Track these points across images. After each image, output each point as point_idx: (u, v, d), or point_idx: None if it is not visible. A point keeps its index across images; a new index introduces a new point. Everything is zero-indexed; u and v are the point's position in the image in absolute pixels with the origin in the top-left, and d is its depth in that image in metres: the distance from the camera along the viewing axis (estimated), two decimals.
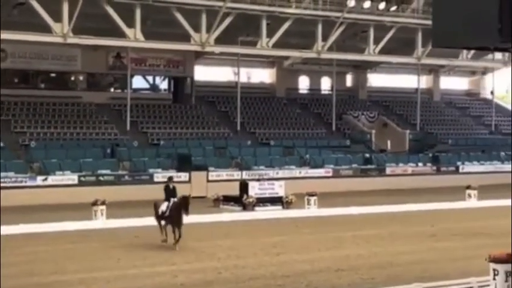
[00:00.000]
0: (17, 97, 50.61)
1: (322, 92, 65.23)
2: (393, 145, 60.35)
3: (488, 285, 17.37)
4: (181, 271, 22.06)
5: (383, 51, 55.09)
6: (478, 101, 72.23)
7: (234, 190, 40.34)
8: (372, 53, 54.57)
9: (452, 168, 58.21)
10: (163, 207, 26.24)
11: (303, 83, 65.10)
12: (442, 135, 64.64)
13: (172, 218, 25.76)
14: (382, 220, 34.78)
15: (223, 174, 48.92)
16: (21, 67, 51.48)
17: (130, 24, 45.98)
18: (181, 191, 27.62)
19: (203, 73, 59.50)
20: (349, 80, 66.77)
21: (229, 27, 48.69)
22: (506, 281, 17.03)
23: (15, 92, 50.50)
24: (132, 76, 54.78)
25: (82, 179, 45.19)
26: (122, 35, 46.28)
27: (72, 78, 55.84)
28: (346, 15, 51.60)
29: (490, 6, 8.88)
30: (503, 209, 37.25)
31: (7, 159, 44.49)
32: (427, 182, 54.04)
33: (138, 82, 57.87)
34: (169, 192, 26.65)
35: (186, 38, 48.47)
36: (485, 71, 71.11)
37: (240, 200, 39.38)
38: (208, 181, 46.52)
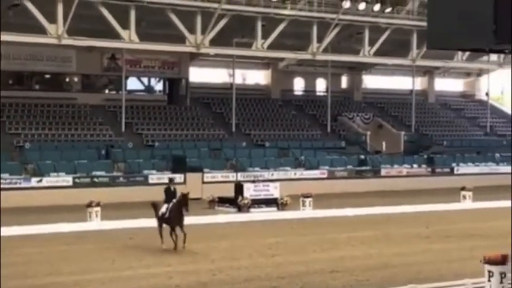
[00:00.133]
0: (12, 98, 50.48)
1: (317, 94, 65.23)
2: (388, 146, 60.37)
3: (483, 287, 17.39)
4: (176, 272, 22.05)
5: (378, 53, 55.12)
6: (473, 103, 72.30)
7: (229, 191, 40.34)
8: (367, 54, 54.59)
9: (447, 170, 58.24)
10: (163, 209, 26.17)
11: (298, 85, 65.09)
12: (437, 136, 64.68)
13: (173, 219, 25.70)
14: (377, 221, 34.79)
15: (218, 175, 48.88)
16: (15, 68, 51.37)
17: (125, 25, 45.94)
18: (177, 192, 27.54)
19: (198, 74, 59.44)
20: (344, 82, 66.79)
21: (224, 29, 48.68)
22: (501, 282, 17.05)
23: (10, 93, 50.35)
24: (127, 77, 54.69)
25: (77, 180, 45.10)
26: (116, 36, 46.23)
27: (67, 80, 55.74)
28: (341, 17, 51.61)
29: (485, 7, 8.88)
30: (498, 211, 37.34)
31: (1, 160, 44.34)
32: (422, 183, 54.09)
33: (133, 83, 57.78)
34: (170, 194, 26.59)
35: (181, 39, 48.45)
36: (480, 73, 71.17)
37: (235, 201, 39.38)
38: (203, 183, 46.53)
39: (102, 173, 46.45)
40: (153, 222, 28.47)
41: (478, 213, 38.11)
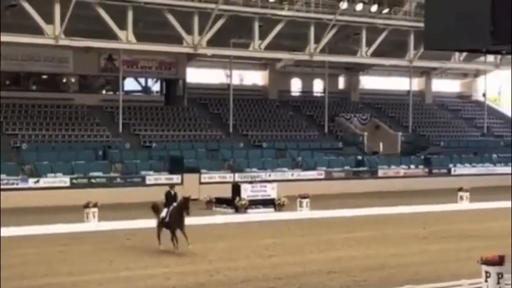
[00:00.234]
0: (9, 99, 50.43)
1: (315, 94, 65.25)
2: (385, 147, 60.40)
3: (480, 287, 17.41)
4: (174, 273, 22.05)
5: (375, 54, 55.13)
6: (470, 103, 72.35)
7: (226, 192, 40.35)
8: (364, 55, 54.60)
9: (444, 171, 58.28)
10: (163, 213, 26.11)
11: (296, 85, 65.12)
12: (434, 137, 64.72)
13: (173, 222, 25.62)
14: (375, 222, 34.82)
15: (216, 176, 48.88)
16: (12, 69, 51.30)
17: (122, 26, 45.91)
18: (178, 196, 27.44)
19: (195, 75, 59.43)
20: (341, 82, 66.82)
21: (221, 29, 48.67)
22: (498, 283, 17.07)
23: (7, 94, 50.30)
24: (124, 78, 54.67)
25: (74, 181, 45.08)
26: (113, 37, 46.20)
27: (64, 80, 55.71)
28: (339, 18, 51.62)
29: (482, 8, 8.89)
30: (495, 211, 37.41)
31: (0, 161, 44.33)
32: (419, 184, 54.14)
33: (130, 84, 57.75)
34: (171, 198, 26.54)
35: (178, 40, 48.43)
36: (477, 74, 71.20)
37: (232, 202, 39.39)
38: (200, 183, 46.57)
39: (100, 174, 46.43)
40: (150, 223, 28.50)
41: (475, 214, 38.13)
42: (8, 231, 29.96)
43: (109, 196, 40.75)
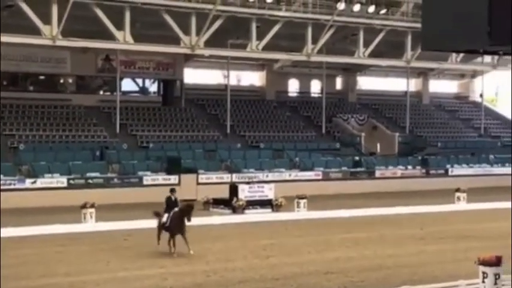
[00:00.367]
0: (6, 99, 50.36)
1: (312, 95, 65.26)
2: (383, 148, 60.43)
3: None
4: (171, 274, 22.04)
5: (372, 54, 55.12)
6: (467, 104, 72.42)
7: (223, 193, 40.33)
8: (361, 56, 54.60)
9: (442, 171, 58.30)
10: (164, 218, 26.03)
11: (293, 86, 65.13)
12: (432, 138, 64.75)
13: (173, 227, 25.54)
14: (372, 223, 34.83)
15: (213, 177, 48.86)
16: (10, 69, 51.24)
17: (120, 26, 45.87)
18: (179, 202, 27.38)
19: (193, 76, 59.43)
20: (338, 83, 66.83)
21: (219, 30, 48.64)
22: (495, 283, 17.08)
23: (4, 94, 50.20)
24: (121, 79, 54.65)
25: (71, 181, 45.04)
26: (111, 37, 46.16)
27: (61, 81, 55.69)
28: (336, 18, 51.61)
29: (479, 9, 8.90)
30: (492, 212, 37.46)
31: None
32: (417, 184, 54.15)
33: (127, 85, 57.76)
34: (171, 203, 26.46)
35: (175, 40, 48.39)
36: (474, 74, 71.28)
37: (229, 203, 39.38)
38: (198, 184, 46.55)
39: (97, 174, 46.39)
40: (147, 224, 28.50)
41: (473, 215, 38.15)
42: (5, 231, 29.92)
43: (106, 196, 40.72)
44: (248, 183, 42.24)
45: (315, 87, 65.11)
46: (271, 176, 49.68)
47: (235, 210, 38.85)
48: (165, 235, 25.88)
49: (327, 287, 20.55)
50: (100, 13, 44.94)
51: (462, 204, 42.67)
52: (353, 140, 60.76)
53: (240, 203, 38.92)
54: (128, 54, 52.92)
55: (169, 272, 22.40)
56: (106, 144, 50.61)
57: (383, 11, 54.06)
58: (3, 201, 38.97)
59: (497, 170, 59.19)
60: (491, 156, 61.83)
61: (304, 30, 51.77)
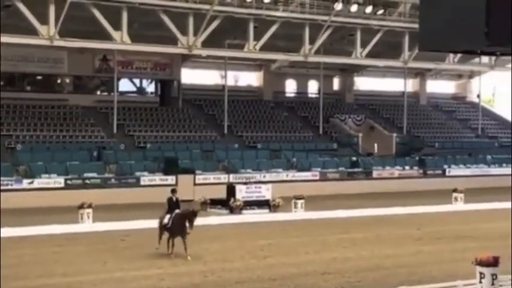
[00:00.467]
0: (3, 100, 50.31)
1: (309, 95, 65.28)
2: (380, 148, 60.46)
3: None
4: (168, 274, 22.03)
5: (370, 55, 55.15)
6: (464, 105, 72.47)
7: (221, 193, 40.32)
8: (359, 56, 54.63)
9: (439, 172, 58.33)
10: (165, 219, 25.98)
11: (290, 86, 65.14)
12: (429, 138, 64.80)
13: (174, 229, 25.49)
14: (369, 223, 34.83)
15: (211, 177, 48.86)
16: (7, 69, 51.23)
17: (117, 27, 45.84)
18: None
19: (190, 76, 59.43)
20: (336, 84, 66.87)
21: (216, 30, 48.63)
22: (493, 284, 17.09)
23: (1, 94, 50.20)
24: (118, 79, 54.63)
25: (68, 182, 45.01)
26: (108, 37, 46.14)
27: (59, 81, 55.67)
28: (333, 19, 51.63)
29: (477, 9, 8.90)
30: (490, 213, 37.50)
31: None
32: (414, 185, 54.17)
33: (124, 85, 57.74)
34: (173, 204, 26.41)
35: (173, 40, 48.39)
36: (471, 75, 71.35)
37: (227, 203, 39.36)
38: (195, 184, 46.54)
39: (94, 175, 46.37)
40: (144, 224, 28.49)
41: (470, 215, 38.18)
42: (2, 232, 29.88)
43: (103, 197, 40.70)
44: (245, 183, 42.27)
45: (312, 87, 65.12)
46: (268, 177, 49.67)
47: (232, 210, 38.84)
48: (165, 235, 25.85)
49: (324, 287, 20.55)
50: (97, 13, 44.91)
51: (459, 205, 42.69)
52: (350, 141, 60.79)
53: (238, 203, 38.90)
54: (125, 55, 52.91)
55: (167, 272, 22.39)
56: (103, 145, 50.59)
57: (380, 12, 54.08)
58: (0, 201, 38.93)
59: (495, 170, 59.25)
60: (489, 157, 61.89)
61: (302, 31, 51.77)
